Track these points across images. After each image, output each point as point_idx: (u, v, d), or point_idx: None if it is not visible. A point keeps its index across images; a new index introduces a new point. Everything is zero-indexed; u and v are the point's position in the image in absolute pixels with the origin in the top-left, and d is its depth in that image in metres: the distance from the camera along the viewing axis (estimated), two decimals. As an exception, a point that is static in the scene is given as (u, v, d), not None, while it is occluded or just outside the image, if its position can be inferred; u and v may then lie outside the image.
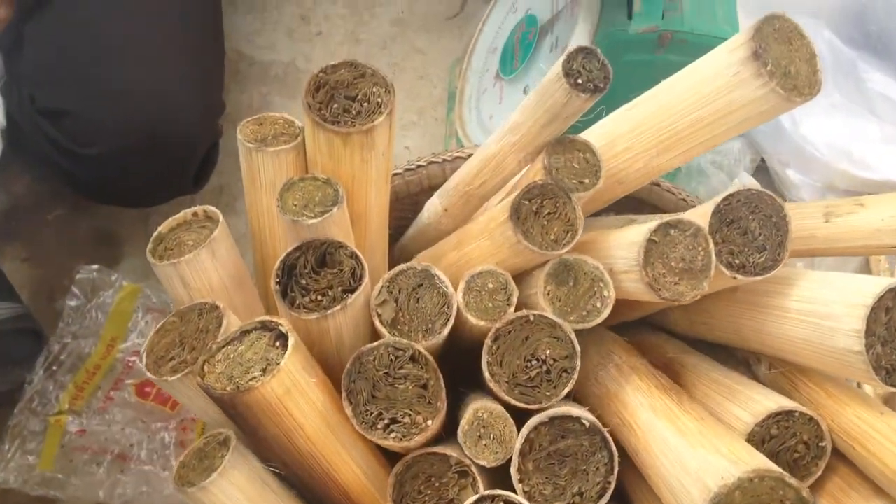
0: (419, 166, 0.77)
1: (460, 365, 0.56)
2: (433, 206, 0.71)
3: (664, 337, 0.72)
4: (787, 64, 0.52)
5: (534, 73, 0.96)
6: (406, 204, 0.80)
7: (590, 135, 0.61)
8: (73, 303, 0.92)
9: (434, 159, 0.77)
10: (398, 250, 0.80)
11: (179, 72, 0.83)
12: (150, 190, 0.88)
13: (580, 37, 0.87)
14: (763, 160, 1.00)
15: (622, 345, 0.67)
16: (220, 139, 0.95)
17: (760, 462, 0.44)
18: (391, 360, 0.50)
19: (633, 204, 0.76)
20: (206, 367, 0.47)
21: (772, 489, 0.42)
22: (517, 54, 1.01)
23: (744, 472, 0.42)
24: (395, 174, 0.78)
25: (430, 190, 0.77)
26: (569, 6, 0.92)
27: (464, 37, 1.26)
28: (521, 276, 0.57)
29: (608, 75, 0.52)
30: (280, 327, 0.48)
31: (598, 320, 0.54)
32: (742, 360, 0.67)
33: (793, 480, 0.42)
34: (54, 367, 0.88)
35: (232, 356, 0.47)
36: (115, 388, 0.88)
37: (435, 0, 1.32)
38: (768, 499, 0.42)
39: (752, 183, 0.88)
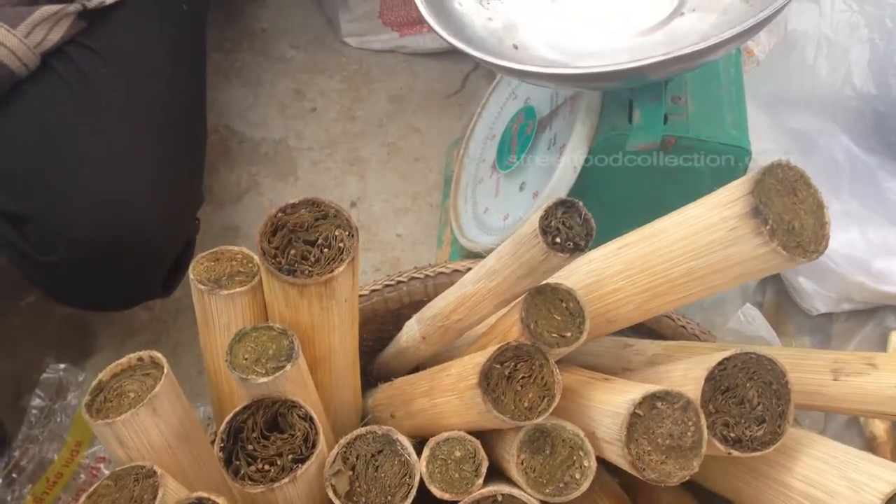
0: (399, 282, 0.74)
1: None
2: (411, 332, 0.68)
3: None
4: (790, 219, 0.48)
5: (531, 169, 0.93)
6: (387, 319, 0.76)
7: (577, 272, 0.57)
8: (36, 403, 0.89)
9: (415, 275, 0.74)
10: (377, 364, 0.77)
11: (146, 179, 0.80)
12: (115, 296, 0.85)
13: (578, 136, 0.84)
14: (776, 269, 0.96)
15: (611, 492, 0.62)
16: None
17: None
18: (342, 545, 0.46)
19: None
20: (134, 552, 0.43)
21: None
22: (514, 147, 0.97)
23: None
24: (374, 290, 0.74)
25: (411, 306, 0.73)
26: (568, 103, 0.89)
27: (463, 116, 1.23)
28: (492, 435, 0.53)
29: (590, 232, 0.48)
30: (218, 508, 0.44)
31: (578, 493, 0.49)
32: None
33: None
34: (13, 475, 0.85)
35: (164, 540, 0.43)
36: (75, 499, 0.84)
37: (435, 76, 1.30)
38: None
39: (757, 317, 0.83)
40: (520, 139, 0.97)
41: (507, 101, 1.07)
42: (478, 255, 0.97)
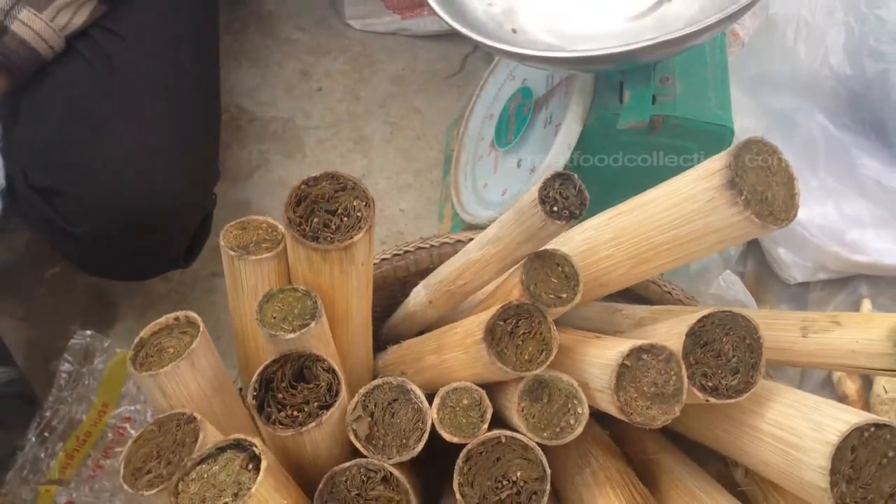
0: (407, 252, 0.79)
1: (437, 464, 0.57)
2: (419, 297, 0.72)
3: (646, 431, 0.72)
4: (763, 190, 0.52)
5: (528, 146, 0.97)
6: (395, 286, 0.81)
7: (572, 240, 0.62)
8: (65, 368, 0.93)
9: (421, 245, 0.78)
10: (386, 328, 0.81)
11: (168, 156, 0.85)
12: (139, 266, 0.89)
13: (573, 115, 0.88)
14: (756, 238, 1.01)
15: (602, 443, 0.68)
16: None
17: None
18: (363, 480, 0.51)
19: (620, 291, 0.77)
20: (180, 486, 0.48)
21: None
22: (512, 126, 1.02)
23: None
24: (384, 259, 0.79)
25: (418, 274, 0.78)
26: (563, 84, 0.93)
27: (462, 97, 1.27)
28: (496, 386, 0.58)
29: (584, 202, 0.52)
30: (254, 448, 0.48)
31: (572, 436, 0.55)
32: (721, 456, 0.68)
33: None
34: (46, 434, 0.89)
35: (206, 476, 0.48)
36: (104, 456, 0.89)
37: (436, 58, 1.34)
38: None
39: (736, 282, 0.88)
40: (517, 118, 1.01)
41: (505, 82, 1.11)
42: (478, 228, 1.01)
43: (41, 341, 1.03)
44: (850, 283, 1.01)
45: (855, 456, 0.48)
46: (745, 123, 0.99)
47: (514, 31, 0.83)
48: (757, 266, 1.04)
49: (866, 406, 0.90)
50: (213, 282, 1.09)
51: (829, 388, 0.94)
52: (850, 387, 0.92)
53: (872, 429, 0.48)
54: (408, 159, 1.23)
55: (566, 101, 0.91)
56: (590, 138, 0.88)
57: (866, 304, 0.98)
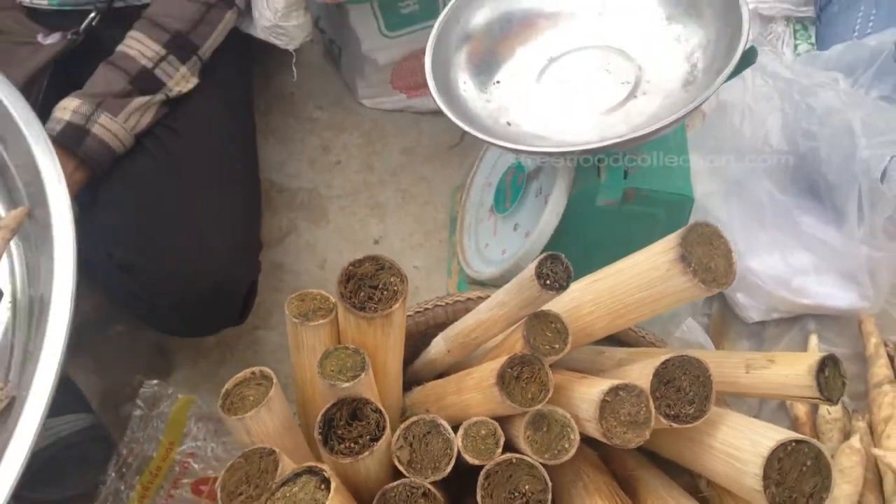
0: (426, 309, 0.91)
1: (463, 483, 0.70)
2: (438, 346, 0.85)
3: (628, 452, 0.84)
4: (707, 261, 0.65)
5: (522, 213, 1.10)
6: (417, 337, 0.93)
7: (561, 301, 0.75)
8: (137, 412, 1.05)
9: (438, 303, 0.91)
10: (410, 373, 0.93)
11: (225, 233, 0.98)
12: (203, 325, 1.02)
13: (559, 189, 1.01)
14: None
15: (592, 462, 0.79)
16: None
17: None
18: (408, 495, 0.63)
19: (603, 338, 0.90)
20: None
21: None
22: (508, 195, 1.14)
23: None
24: (408, 315, 0.91)
25: (436, 327, 0.90)
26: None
27: (464, 166, 1.40)
28: (506, 419, 0.71)
29: (570, 275, 0.65)
30: (324, 472, 0.61)
31: (567, 457, 0.67)
32: (686, 470, 0.80)
33: None
34: (123, 470, 1.01)
35: (288, 495, 0.60)
36: (174, 486, 1.01)
37: (439, 131, 1.47)
38: None
39: (697, 328, 1.02)
40: (513, 189, 1.14)
41: (501, 156, 1.24)
42: (482, 283, 1.14)
43: (111, 389, 1.15)
44: (799, 321, 1.14)
45: (781, 465, 0.61)
46: (706, 188, 1.12)
47: (509, 124, 0.96)
48: (721, 308, 1.18)
49: (814, 426, 1.03)
50: (255, 335, 1.21)
51: (783, 412, 1.07)
52: (801, 409, 1.04)
53: (794, 444, 0.61)
54: (418, 222, 1.36)
55: (553, 175, 1.04)
56: (574, 207, 1.00)
57: (813, 339, 1.11)
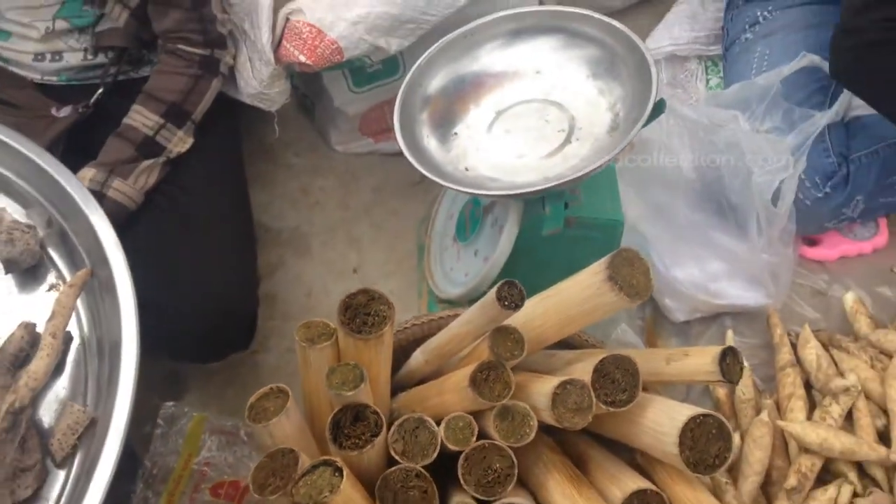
0: (406, 328, 1.03)
1: (446, 466, 0.82)
2: (417, 359, 0.97)
3: (580, 435, 0.98)
4: (630, 279, 0.78)
5: (481, 241, 1.21)
6: (398, 352, 1.05)
7: (518, 318, 0.87)
8: (158, 431, 1.16)
9: (415, 322, 1.03)
10: (395, 381, 1.05)
11: (232, 270, 1.10)
12: (214, 352, 1.14)
13: (512, 220, 1.13)
14: (648, 292, 1.28)
15: (549, 445, 0.92)
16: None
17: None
18: (404, 477, 0.76)
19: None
20: (294, 491, 0.72)
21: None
22: (468, 226, 1.27)
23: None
24: (391, 334, 1.04)
25: (414, 342, 1.02)
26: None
27: (427, 199, 1.51)
28: (479, 413, 0.83)
29: (524, 297, 0.79)
30: (337, 463, 0.73)
31: (528, 440, 0.79)
32: (628, 448, 0.94)
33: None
34: (150, 480, 1.12)
35: (309, 482, 0.72)
36: (195, 491, 1.12)
37: (404, 171, 1.56)
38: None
39: (628, 331, 1.16)
40: (471, 220, 1.26)
41: (458, 193, 1.37)
42: (449, 302, 1.26)
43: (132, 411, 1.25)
44: (717, 319, 1.29)
45: (693, 434, 0.75)
46: (634, 212, 1.27)
47: (467, 169, 1.09)
48: (653, 312, 1.32)
49: (732, 405, 1.17)
50: (254, 358, 1.32)
51: (707, 395, 1.22)
52: (721, 392, 1.19)
53: (702, 417, 0.75)
54: (390, 252, 1.46)
55: (506, 209, 1.17)
56: (524, 235, 1.12)
57: (729, 333, 1.26)
